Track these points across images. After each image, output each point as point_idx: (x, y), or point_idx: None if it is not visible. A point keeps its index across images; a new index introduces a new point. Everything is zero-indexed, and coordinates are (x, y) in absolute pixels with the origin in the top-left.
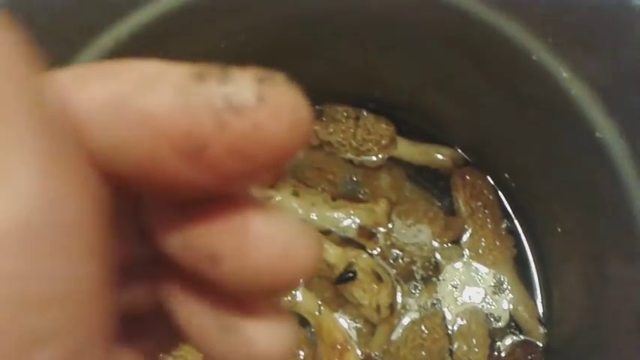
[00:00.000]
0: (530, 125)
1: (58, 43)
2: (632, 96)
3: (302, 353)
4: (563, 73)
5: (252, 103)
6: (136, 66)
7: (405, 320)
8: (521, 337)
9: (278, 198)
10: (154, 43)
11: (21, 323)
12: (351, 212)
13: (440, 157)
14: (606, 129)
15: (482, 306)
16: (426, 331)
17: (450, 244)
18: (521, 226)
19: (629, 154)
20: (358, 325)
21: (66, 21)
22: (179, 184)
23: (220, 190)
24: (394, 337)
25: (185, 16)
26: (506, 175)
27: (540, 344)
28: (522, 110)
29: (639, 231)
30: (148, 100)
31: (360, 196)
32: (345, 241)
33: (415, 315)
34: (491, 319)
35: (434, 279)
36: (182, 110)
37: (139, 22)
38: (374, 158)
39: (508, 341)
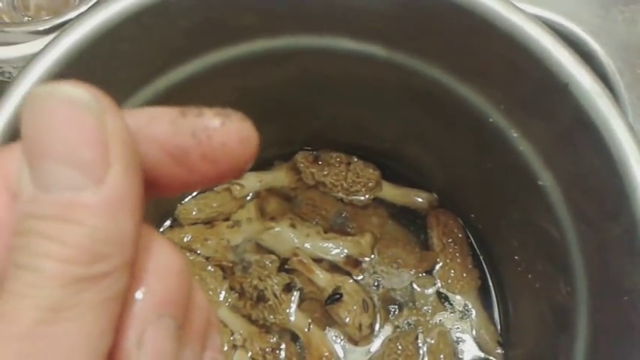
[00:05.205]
0: (489, 174)
1: (111, 91)
2: (567, 152)
3: None
4: (513, 133)
5: (218, 128)
6: (148, 110)
7: (383, 338)
8: (482, 355)
9: (277, 229)
10: (182, 94)
11: None
12: (340, 243)
13: (418, 199)
14: (546, 178)
15: (450, 328)
16: (401, 348)
17: (424, 274)
18: (485, 261)
19: (564, 199)
20: (342, 342)
21: (117, 74)
22: (174, 178)
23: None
24: (373, 352)
25: (208, 74)
26: (473, 216)
27: None
28: (483, 162)
29: (574, 268)
30: (153, 129)
31: (349, 230)
32: (334, 268)
33: (392, 334)
34: (458, 339)
35: (409, 303)
36: (173, 134)
37: (175, 78)
38: (362, 198)
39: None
